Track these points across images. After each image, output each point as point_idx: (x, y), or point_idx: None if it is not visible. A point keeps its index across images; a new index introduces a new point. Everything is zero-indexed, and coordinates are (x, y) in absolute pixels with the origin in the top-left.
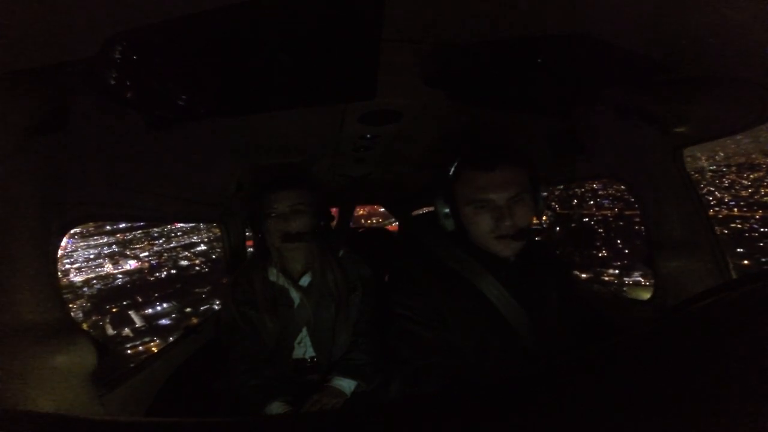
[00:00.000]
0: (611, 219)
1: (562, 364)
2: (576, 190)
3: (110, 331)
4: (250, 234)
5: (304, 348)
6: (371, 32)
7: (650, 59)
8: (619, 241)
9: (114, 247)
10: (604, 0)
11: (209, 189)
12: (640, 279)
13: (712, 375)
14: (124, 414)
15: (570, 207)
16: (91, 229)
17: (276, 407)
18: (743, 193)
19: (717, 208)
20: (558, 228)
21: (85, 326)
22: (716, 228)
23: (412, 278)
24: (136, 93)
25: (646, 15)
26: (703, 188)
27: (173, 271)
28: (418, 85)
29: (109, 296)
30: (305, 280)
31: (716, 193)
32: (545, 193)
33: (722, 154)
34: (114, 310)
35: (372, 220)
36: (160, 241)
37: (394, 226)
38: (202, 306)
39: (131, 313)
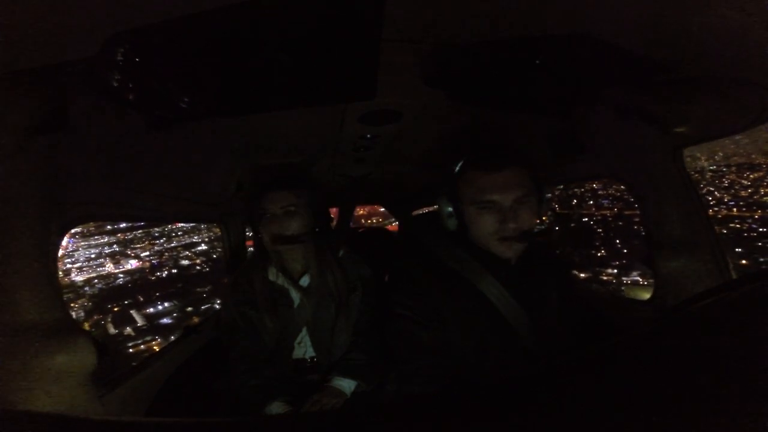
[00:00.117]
0: (610, 219)
1: (562, 364)
2: (575, 190)
3: (112, 330)
4: (251, 234)
5: (304, 348)
6: (371, 32)
7: (650, 59)
8: (618, 241)
9: (115, 246)
10: (604, 0)
11: (209, 189)
12: (638, 279)
13: (712, 375)
14: (124, 414)
15: (570, 207)
16: (91, 228)
17: (276, 407)
18: (743, 193)
19: (716, 208)
20: (557, 228)
21: (86, 325)
22: (715, 228)
23: (412, 278)
24: (136, 93)
25: (647, 15)
26: (702, 188)
27: (174, 271)
28: (418, 85)
29: (111, 295)
30: (305, 280)
31: (716, 193)
32: (548, 195)
33: (721, 154)
34: (115, 309)
35: (372, 220)
36: (161, 240)
37: (394, 226)
38: (203, 305)
39: (133, 312)
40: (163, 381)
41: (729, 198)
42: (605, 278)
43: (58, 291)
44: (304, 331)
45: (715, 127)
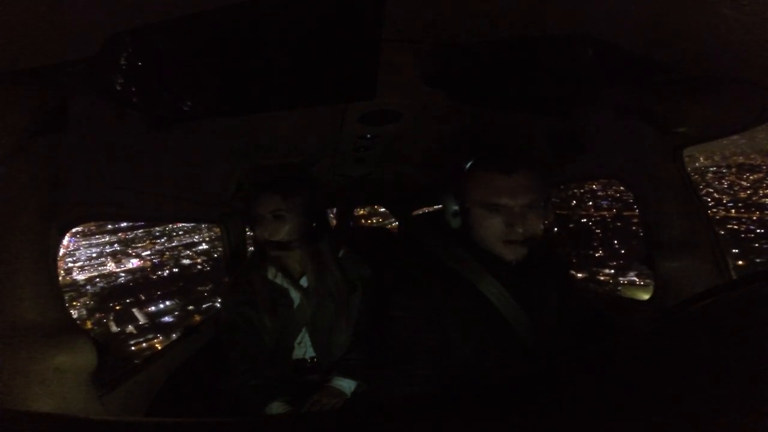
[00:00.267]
0: (609, 220)
1: (562, 364)
2: (575, 190)
3: (114, 328)
4: (251, 234)
5: (304, 348)
6: (371, 32)
7: (650, 59)
8: (615, 242)
9: (116, 245)
10: (604, 0)
11: (209, 189)
12: (635, 279)
13: (712, 375)
14: (124, 414)
15: (569, 208)
16: (92, 228)
17: (276, 407)
18: (742, 194)
19: (715, 209)
20: (556, 228)
21: (89, 323)
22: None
23: (412, 278)
24: (136, 93)
25: (646, 15)
26: (702, 189)
27: (175, 270)
28: (418, 85)
29: (112, 294)
30: (305, 281)
31: (715, 194)
32: (553, 199)
33: (720, 155)
34: (117, 307)
35: (372, 220)
36: (162, 240)
37: (394, 226)
38: (204, 304)
39: (134, 310)
40: (163, 381)
41: (728, 199)
42: (602, 278)
43: (58, 291)
44: (304, 331)
45: (715, 127)
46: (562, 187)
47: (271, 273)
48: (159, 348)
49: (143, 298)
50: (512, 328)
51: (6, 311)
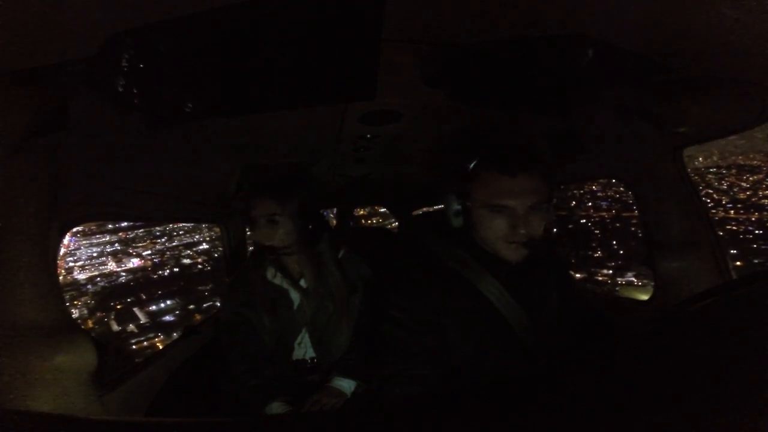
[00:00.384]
0: (608, 221)
1: (562, 364)
2: (574, 191)
3: (115, 327)
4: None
5: (304, 349)
6: (371, 32)
7: (650, 59)
8: (614, 243)
9: (117, 245)
10: (604, 0)
11: (209, 189)
12: (633, 279)
13: (712, 375)
14: (124, 414)
15: (568, 209)
16: (93, 227)
17: (276, 407)
18: (741, 195)
19: (714, 210)
20: (555, 229)
21: (90, 322)
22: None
23: (412, 279)
24: (136, 93)
25: (646, 15)
26: (701, 190)
27: (176, 270)
28: (418, 85)
29: (113, 293)
30: (305, 281)
31: (714, 195)
32: (554, 200)
33: (719, 155)
34: (118, 306)
35: (372, 220)
36: (163, 239)
37: (394, 226)
38: (205, 303)
39: (135, 309)
40: (164, 381)
41: (727, 200)
42: (600, 279)
43: (58, 291)
44: (304, 331)
45: (715, 127)
46: (562, 187)
47: (270, 273)
48: (160, 347)
49: (144, 297)
50: (512, 328)
51: (6, 311)
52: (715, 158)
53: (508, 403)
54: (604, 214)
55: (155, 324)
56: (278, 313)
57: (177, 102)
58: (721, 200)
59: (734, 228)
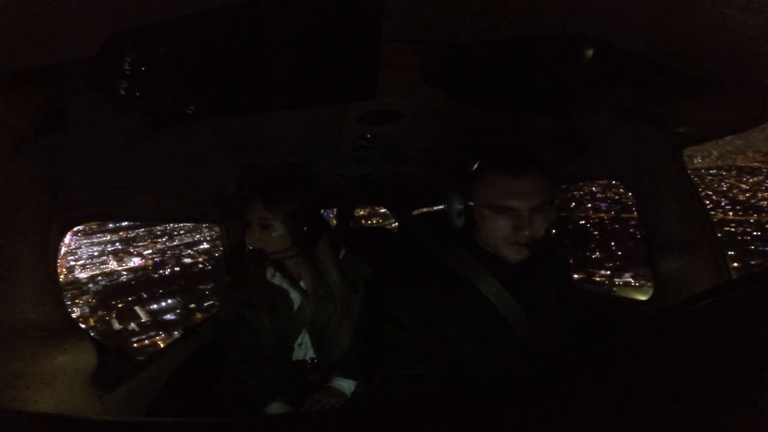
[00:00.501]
0: (607, 222)
1: (562, 364)
2: (574, 192)
3: (116, 325)
4: None
5: (304, 350)
6: (371, 32)
7: (650, 59)
8: (613, 243)
9: (117, 244)
10: (604, 0)
11: (209, 189)
12: (631, 280)
13: (712, 375)
14: (124, 414)
15: (568, 209)
16: (94, 226)
17: (276, 407)
18: (741, 197)
19: (713, 212)
20: (554, 231)
21: (91, 321)
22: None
23: (412, 279)
24: (136, 93)
25: (646, 15)
26: (701, 191)
27: (177, 269)
28: (418, 85)
29: (115, 292)
30: (304, 283)
31: (713, 196)
32: (557, 201)
33: (718, 154)
34: (120, 305)
35: (372, 221)
36: (163, 239)
37: (394, 226)
38: (206, 302)
39: (136, 308)
40: (164, 381)
41: (726, 202)
42: (598, 279)
43: (58, 291)
44: (305, 332)
45: (715, 127)
46: (562, 187)
47: (269, 273)
48: (161, 345)
49: (145, 296)
50: (512, 329)
51: (6, 311)
52: (714, 158)
53: (508, 403)
54: (603, 215)
55: (156, 322)
56: (278, 314)
57: (177, 102)
58: (719, 202)
59: (733, 229)
